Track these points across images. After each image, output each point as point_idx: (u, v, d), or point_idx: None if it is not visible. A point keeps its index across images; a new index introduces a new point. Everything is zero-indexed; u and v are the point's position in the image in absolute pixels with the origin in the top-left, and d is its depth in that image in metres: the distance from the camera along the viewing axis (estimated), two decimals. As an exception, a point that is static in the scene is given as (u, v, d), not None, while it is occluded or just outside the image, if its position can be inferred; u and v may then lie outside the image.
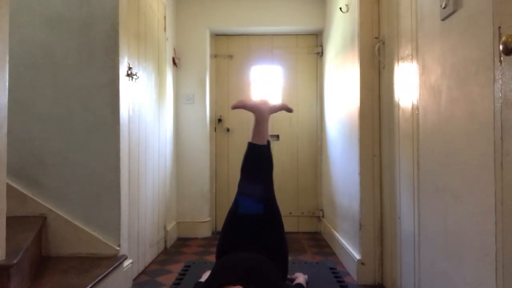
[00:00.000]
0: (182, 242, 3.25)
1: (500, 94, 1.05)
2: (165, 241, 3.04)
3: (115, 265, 1.87)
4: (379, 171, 2.23)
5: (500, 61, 1.04)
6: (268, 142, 1.99)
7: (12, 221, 1.80)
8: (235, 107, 2.04)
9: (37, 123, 2.02)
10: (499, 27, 1.05)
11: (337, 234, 2.91)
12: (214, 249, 2.02)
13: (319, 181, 3.67)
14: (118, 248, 1.99)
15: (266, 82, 3.74)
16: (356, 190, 2.31)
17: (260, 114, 2.01)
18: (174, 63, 3.40)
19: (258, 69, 3.73)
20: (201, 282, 1.90)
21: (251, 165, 1.97)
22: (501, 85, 1.04)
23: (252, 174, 1.96)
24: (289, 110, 2.21)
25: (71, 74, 2.02)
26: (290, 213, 3.64)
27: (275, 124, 3.64)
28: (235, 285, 1.38)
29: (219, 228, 2.96)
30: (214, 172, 3.69)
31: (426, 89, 1.57)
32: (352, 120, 2.45)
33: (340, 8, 2.72)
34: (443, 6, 1.38)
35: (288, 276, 2.07)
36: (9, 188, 1.82)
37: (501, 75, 1.04)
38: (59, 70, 2.02)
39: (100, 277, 1.70)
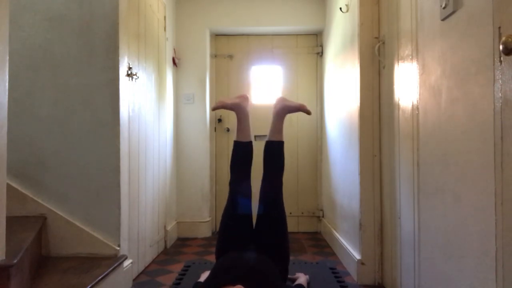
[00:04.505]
0: (182, 242, 3.25)
1: (500, 94, 1.05)
2: (165, 241, 3.03)
3: (115, 265, 1.87)
4: (379, 171, 2.23)
5: (500, 61, 1.04)
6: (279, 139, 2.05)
7: (12, 221, 1.80)
8: (215, 108, 2.06)
9: (37, 123, 2.02)
10: (499, 27, 1.05)
11: (337, 234, 2.91)
12: (214, 249, 2.02)
13: (319, 181, 3.67)
14: (118, 248, 1.99)
15: (266, 82, 3.74)
16: (356, 190, 2.31)
17: (241, 111, 2.03)
18: (174, 63, 3.40)
19: (258, 69, 3.73)
20: (200, 282, 1.90)
21: (239, 163, 2.00)
22: (501, 85, 1.04)
23: (242, 172, 1.98)
24: (308, 112, 2.11)
25: (71, 74, 2.02)
26: (290, 213, 3.63)
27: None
28: (235, 285, 1.38)
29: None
30: (214, 172, 3.69)
31: (426, 89, 1.57)
32: (352, 120, 2.45)
33: (340, 8, 2.72)
34: (443, 6, 1.38)
35: (289, 276, 2.07)
36: (9, 188, 1.83)
37: (501, 75, 1.04)
38: (59, 70, 2.02)
39: (100, 277, 1.70)
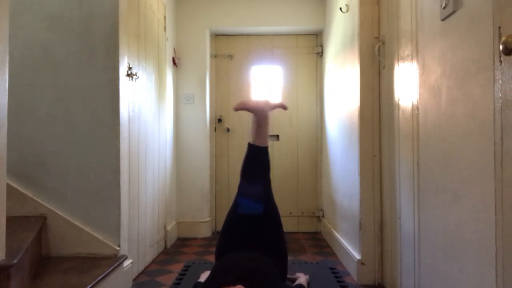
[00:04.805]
0: (182, 242, 3.25)
1: (500, 94, 1.05)
2: (165, 241, 3.04)
3: (115, 265, 1.87)
4: (379, 171, 2.23)
5: (500, 61, 1.04)
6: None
7: (12, 221, 1.80)
8: (237, 109, 2.00)
9: (37, 123, 2.02)
10: (499, 27, 1.05)
11: (337, 234, 2.91)
12: (214, 249, 2.02)
13: (319, 181, 3.67)
14: (118, 248, 1.99)
15: (266, 82, 3.74)
16: (356, 190, 2.31)
17: (262, 115, 1.98)
18: (174, 63, 3.40)
19: (258, 69, 3.73)
20: (200, 282, 1.90)
21: (252, 167, 1.96)
22: (501, 85, 1.04)
23: (253, 175, 1.95)
24: (284, 107, 2.13)
25: (71, 74, 2.02)
26: (290, 213, 3.64)
27: (275, 124, 3.64)
28: (235, 285, 1.38)
29: (219, 228, 2.96)
30: (214, 172, 3.69)
31: (426, 89, 1.57)
32: (352, 120, 2.45)
33: (340, 8, 2.72)
34: (443, 6, 1.38)
35: (289, 276, 2.07)
36: (9, 188, 1.83)
37: (501, 75, 1.04)
38: (59, 70, 2.02)
39: (100, 277, 1.70)
